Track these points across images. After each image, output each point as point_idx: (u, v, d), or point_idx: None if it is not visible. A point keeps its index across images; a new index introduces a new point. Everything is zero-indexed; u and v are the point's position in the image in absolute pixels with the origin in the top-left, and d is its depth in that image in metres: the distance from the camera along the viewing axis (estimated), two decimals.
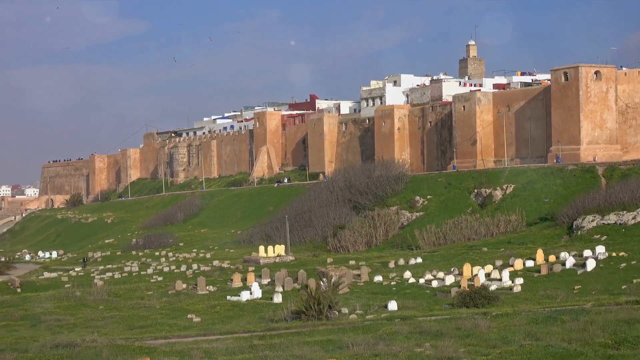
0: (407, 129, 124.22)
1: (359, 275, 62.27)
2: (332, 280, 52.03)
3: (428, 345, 30.52)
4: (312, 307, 42.30)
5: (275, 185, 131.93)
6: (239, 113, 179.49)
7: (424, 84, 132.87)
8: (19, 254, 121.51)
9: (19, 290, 70.08)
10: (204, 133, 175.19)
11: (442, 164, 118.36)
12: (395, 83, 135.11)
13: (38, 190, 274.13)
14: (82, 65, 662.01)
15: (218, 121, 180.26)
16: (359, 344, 31.49)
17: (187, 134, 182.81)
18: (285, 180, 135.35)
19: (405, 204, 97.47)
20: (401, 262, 69.93)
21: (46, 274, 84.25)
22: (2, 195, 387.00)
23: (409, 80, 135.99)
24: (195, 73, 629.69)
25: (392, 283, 58.63)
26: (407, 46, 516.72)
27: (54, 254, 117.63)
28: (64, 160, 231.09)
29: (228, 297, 55.31)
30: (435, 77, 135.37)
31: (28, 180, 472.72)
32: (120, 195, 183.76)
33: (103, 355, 32.79)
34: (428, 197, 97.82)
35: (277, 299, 52.13)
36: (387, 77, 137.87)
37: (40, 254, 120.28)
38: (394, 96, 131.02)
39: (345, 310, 45.01)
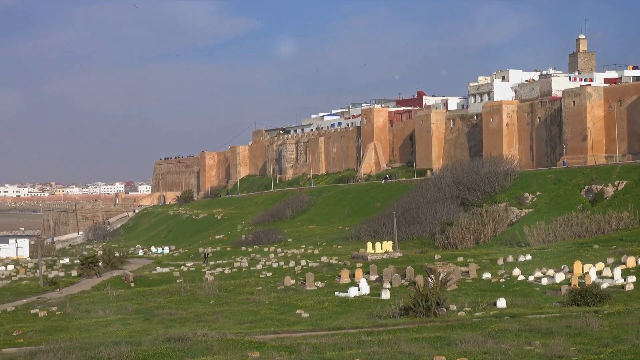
0: (516, 125, 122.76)
1: (467, 272, 61.92)
2: (440, 276, 51.84)
3: (538, 344, 30.28)
4: (420, 304, 42.28)
5: (383, 181, 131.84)
6: (347, 110, 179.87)
7: (533, 79, 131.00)
8: (132, 249, 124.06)
9: (132, 284, 71.77)
10: (311, 130, 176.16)
11: (551, 160, 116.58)
12: (503, 78, 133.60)
13: (150, 187, 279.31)
14: (194, 64, 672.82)
15: (325, 118, 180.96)
16: (468, 341, 31.41)
17: (295, 131, 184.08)
18: (388, 177, 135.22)
19: (513, 201, 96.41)
20: (510, 259, 69.23)
21: (158, 269, 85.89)
22: (116, 192, 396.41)
23: (518, 76, 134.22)
24: (304, 70, 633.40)
25: (501, 280, 58.13)
26: (516, 41, 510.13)
27: (166, 250, 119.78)
28: (175, 158, 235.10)
29: (336, 293, 55.61)
30: (544, 72, 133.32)
31: (141, 177, 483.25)
32: (227, 192, 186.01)
33: (214, 349, 33.39)
34: (537, 193, 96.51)
35: (385, 295, 52.20)
36: (495, 73, 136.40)
37: (153, 249, 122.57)
38: (503, 92, 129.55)
39: (453, 307, 44.87)
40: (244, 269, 79.64)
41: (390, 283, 58.04)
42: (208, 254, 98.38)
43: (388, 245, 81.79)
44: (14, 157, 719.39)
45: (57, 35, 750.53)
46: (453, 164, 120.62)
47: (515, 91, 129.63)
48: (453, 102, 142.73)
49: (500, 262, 68.10)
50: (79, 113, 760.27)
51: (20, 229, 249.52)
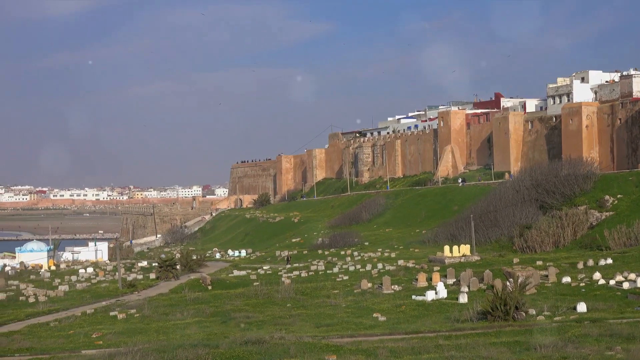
0: (596, 127, 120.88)
1: (547, 275, 61.04)
2: (519, 280, 51.18)
3: (619, 349, 29.67)
4: (499, 308, 41.79)
5: (460, 184, 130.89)
6: (423, 112, 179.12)
7: (613, 80, 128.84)
8: (209, 252, 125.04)
9: (210, 287, 72.26)
10: (388, 133, 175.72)
11: (632, 162, 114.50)
12: (582, 80, 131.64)
13: (227, 190, 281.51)
14: (270, 68, 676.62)
15: (402, 121, 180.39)
16: (547, 346, 30.91)
17: (372, 134, 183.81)
18: (460, 181, 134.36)
19: (594, 204, 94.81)
20: (590, 262, 68.08)
21: (235, 272, 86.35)
22: (193, 195, 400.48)
23: (597, 77, 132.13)
24: (380, 73, 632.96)
25: (581, 284, 57.16)
26: (595, 42, 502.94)
27: (243, 253, 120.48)
28: (252, 161, 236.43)
29: (413, 297, 55.28)
30: (625, 73, 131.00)
31: (218, 180, 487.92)
32: (302, 196, 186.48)
33: (291, 352, 33.36)
34: (618, 196, 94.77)
35: (463, 299, 51.73)
36: (574, 74, 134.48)
37: (230, 252, 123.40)
38: (582, 93, 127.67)
39: (532, 311, 44.25)
40: (320, 272, 79.65)
41: (468, 287, 57.49)
42: (290, 256, 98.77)
43: (465, 249, 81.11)
44: (94, 162, 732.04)
45: (137, 41, 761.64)
46: (532, 166, 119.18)
47: (595, 92, 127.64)
48: (531, 104, 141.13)
49: (580, 265, 67.01)
50: (157, 117, 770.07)
51: (100, 232, 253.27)
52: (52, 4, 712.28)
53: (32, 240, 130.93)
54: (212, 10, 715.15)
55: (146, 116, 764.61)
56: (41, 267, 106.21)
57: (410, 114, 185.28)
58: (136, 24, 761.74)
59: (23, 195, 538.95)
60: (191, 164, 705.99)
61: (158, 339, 41.80)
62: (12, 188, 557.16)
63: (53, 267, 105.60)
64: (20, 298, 71.63)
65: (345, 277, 72.35)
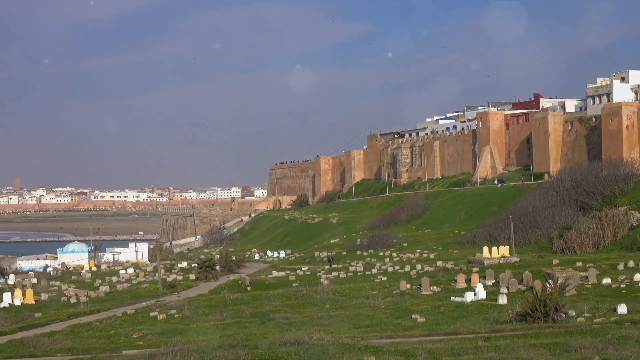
0: (636, 127, 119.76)
1: (586, 277, 60.69)
2: (559, 281, 50.96)
3: None
4: (538, 309, 41.63)
5: (499, 185, 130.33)
6: (462, 113, 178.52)
7: None
8: (248, 253, 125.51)
9: (249, 288, 72.53)
10: (426, 134, 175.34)
11: None
12: (623, 79, 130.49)
13: (266, 191, 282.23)
14: (307, 69, 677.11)
15: (440, 121, 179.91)
16: (587, 347, 30.80)
17: (410, 134, 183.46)
18: (495, 182, 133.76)
19: (634, 204, 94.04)
20: (631, 264, 67.58)
21: (274, 273, 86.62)
22: (232, 196, 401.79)
23: (638, 76, 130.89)
24: (417, 74, 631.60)
25: (622, 286, 56.74)
26: (635, 41, 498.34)
27: (282, 254, 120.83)
28: (291, 162, 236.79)
29: (452, 298, 55.19)
30: None
31: (257, 181, 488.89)
32: (339, 197, 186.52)
33: (330, 352, 33.48)
34: None
35: (502, 300, 51.56)
36: (614, 74, 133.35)
37: (269, 253, 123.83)
38: (622, 93, 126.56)
39: (572, 312, 44.04)
40: (359, 273, 79.71)
41: (507, 288, 57.28)
42: (332, 257, 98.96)
43: (505, 250, 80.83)
44: (134, 163, 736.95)
45: (175, 43, 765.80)
46: (571, 167, 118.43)
47: (636, 92, 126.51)
48: (571, 104, 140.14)
49: (620, 267, 66.56)
50: (196, 118, 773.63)
51: (140, 233, 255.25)
52: (93, 8, 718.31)
53: (74, 241, 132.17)
54: (250, 12, 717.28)
55: (185, 117, 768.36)
56: (82, 267, 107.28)
57: (448, 115, 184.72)
58: (175, 26, 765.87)
59: (64, 196, 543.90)
60: (230, 165, 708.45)
61: (198, 339, 42.06)
62: (54, 190, 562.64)
63: (94, 268, 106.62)
64: (62, 298, 72.36)
65: (384, 278, 72.36)
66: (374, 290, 63.13)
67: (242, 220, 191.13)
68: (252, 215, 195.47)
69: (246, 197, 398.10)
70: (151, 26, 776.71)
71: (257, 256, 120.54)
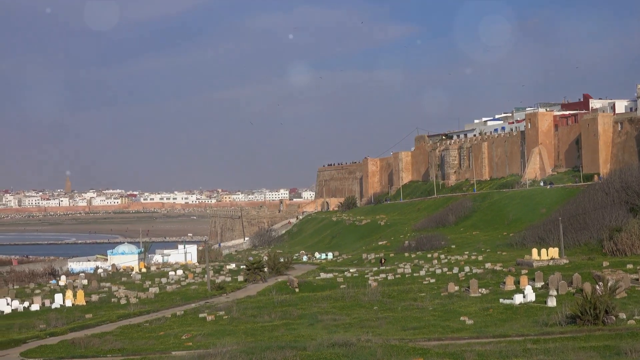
0: None
1: (637, 279, 60.07)
2: (609, 284, 50.51)
3: None
4: (588, 312, 41.34)
5: (548, 187, 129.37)
6: (510, 114, 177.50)
7: None
8: (296, 255, 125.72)
9: (297, 290, 72.67)
10: (474, 135, 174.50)
11: None
12: None
13: (314, 193, 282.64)
14: (354, 71, 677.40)
15: (489, 123, 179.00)
16: (638, 350, 30.57)
17: (458, 136, 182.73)
18: (541, 184, 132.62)
19: None
20: None
21: (322, 275, 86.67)
22: (280, 198, 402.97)
23: None
24: (465, 76, 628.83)
25: None
26: None
27: (330, 255, 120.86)
28: (338, 164, 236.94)
29: (501, 300, 54.92)
30: None
31: (305, 183, 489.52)
32: (385, 199, 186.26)
33: (378, 354, 33.53)
34: None
35: (551, 302, 51.20)
36: None
37: (317, 255, 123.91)
38: None
39: (622, 315, 43.64)
40: (407, 275, 79.53)
41: (557, 290, 56.87)
42: (384, 258, 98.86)
43: (554, 252, 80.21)
44: (183, 165, 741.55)
45: (220, 45, 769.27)
46: (621, 168, 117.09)
47: None
48: (621, 105, 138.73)
49: None
50: (244, 121, 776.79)
51: (189, 234, 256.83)
52: (134, 11, 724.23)
53: (124, 243, 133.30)
54: (296, 14, 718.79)
55: (233, 120, 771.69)
56: (132, 269, 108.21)
57: (497, 116, 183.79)
58: (220, 28, 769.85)
59: (114, 198, 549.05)
60: (278, 167, 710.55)
61: (246, 340, 42.29)
62: (104, 192, 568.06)
63: (144, 270, 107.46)
64: (112, 300, 73.08)
65: (432, 280, 72.15)
66: (422, 292, 63.00)
67: (289, 223, 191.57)
68: (300, 217, 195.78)
69: (294, 199, 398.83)
70: (198, 29, 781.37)
71: (305, 258, 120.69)
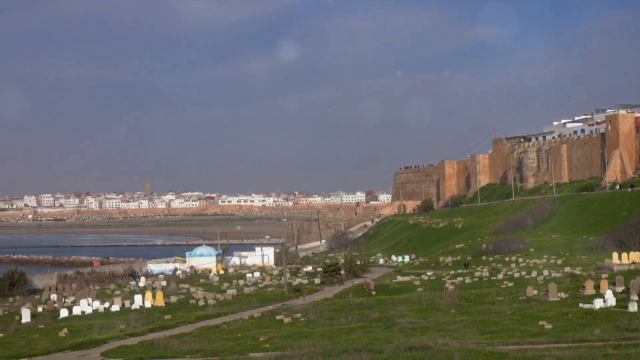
0: None
1: None
2: None
3: None
4: None
5: (629, 189, 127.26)
6: (590, 116, 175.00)
7: None
8: (373, 257, 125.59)
9: (373, 292, 72.70)
10: (553, 137, 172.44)
11: None
12: None
13: (390, 196, 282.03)
14: (431, 73, 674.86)
15: (568, 125, 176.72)
16: None
17: (537, 138, 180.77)
18: (617, 187, 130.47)
19: None
20: None
21: (399, 278, 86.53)
22: (357, 201, 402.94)
23: None
24: (543, 77, 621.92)
25: None
26: None
27: (407, 258, 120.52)
28: (415, 167, 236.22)
29: (580, 305, 54.20)
30: None
31: (381, 186, 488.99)
32: (461, 202, 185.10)
33: (455, 358, 33.39)
34: None
35: (632, 307, 50.40)
36: None
37: (394, 257, 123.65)
38: None
39: None
40: (484, 279, 78.99)
41: (638, 295, 55.93)
42: (468, 262, 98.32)
43: (635, 256, 78.87)
44: (261, 167, 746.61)
45: (301, 49, 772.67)
46: None
47: None
48: None
49: None
50: (322, 123, 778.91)
51: (266, 237, 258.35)
52: (221, 13, 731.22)
53: (202, 245, 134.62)
54: (375, 17, 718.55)
55: (312, 122, 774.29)
56: (210, 271, 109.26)
57: (576, 118, 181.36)
58: (302, 31, 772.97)
59: (193, 201, 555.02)
60: (355, 170, 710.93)
61: (323, 343, 42.40)
62: (183, 194, 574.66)
63: (221, 271, 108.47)
64: (191, 301, 73.93)
65: (510, 284, 71.53)
66: (500, 295, 62.48)
67: (365, 226, 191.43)
68: (377, 220, 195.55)
69: (370, 202, 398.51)
70: (278, 31, 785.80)
71: (381, 261, 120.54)
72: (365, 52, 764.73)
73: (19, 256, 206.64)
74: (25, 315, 68.44)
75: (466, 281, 77.43)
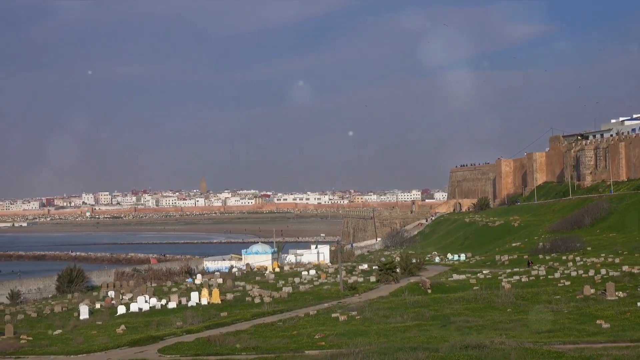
0: None
1: None
2: None
3: None
4: None
5: None
6: None
7: None
8: (429, 256, 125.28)
9: (429, 291, 72.50)
10: (611, 135, 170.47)
11: None
12: None
13: (446, 194, 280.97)
14: (490, 71, 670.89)
15: (626, 122, 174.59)
16: None
17: (594, 136, 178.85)
18: None
19: None
20: None
21: (455, 276, 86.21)
22: (412, 199, 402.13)
23: None
24: (599, 75, 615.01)
25: None
26: None
27: (462, 257, 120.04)
28: (471, 165, 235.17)
29: (638, 304, 53.60)
30: None
31: (437, 184, 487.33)
32: (516, 201, 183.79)
33: (511, 357, 33.25)
34: None
35: None
36: None
37: (449, 256, 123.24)
38: None
39: None
40: (541, 277, 78.39)
41: None
42: (531, 261, 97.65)
43: None
44: (316, 165, 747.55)
45: (357, 47, 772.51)
46: None
47: None
48: None
49: None
50: (378, 121, 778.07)
51: (321, 235, 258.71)
52: (273, 14, 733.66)
53: (257, 242, 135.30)
54: (432, 13, 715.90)
55: (367, 121, 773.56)
56: (266, 268, 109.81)
57: (635, 115, 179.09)
58: (356, 30, 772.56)
59: (248, 199, 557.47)
60: (411, 168, 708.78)
61: (378, 341, 42.43)
62: (238, 192, 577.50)
63: (277, 269, 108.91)
64: (247, 299, 74.33)
65: (567, 283, 70.92)
66: (557, 294, 62.00)
67: (419, 225, 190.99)
68: (432, 218, 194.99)
69: (426, 200, 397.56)
70: (328, 31, 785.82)
71: (437, 259, 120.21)
72: (415, 50, 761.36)
73: (77, 253, 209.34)
74: (84, 312, 69.41)
75: (522, 280, 76.92)
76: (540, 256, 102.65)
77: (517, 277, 79.14)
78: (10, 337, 57.35)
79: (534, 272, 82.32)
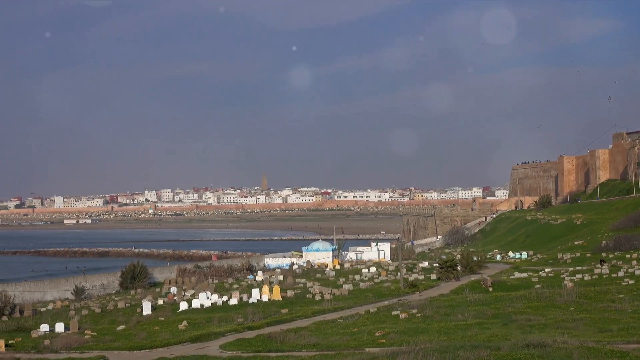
0: None
1: None
2: None
3: None
4: None
5: None
6: None
7: None
8: (490, 253, 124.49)
9: (490, 289, 72.07)
10: None
11: None
12: None
13: (507, 191, 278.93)
14: (554, 67, 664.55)
15: None
16: None
17: None
18: None
19: None
20: None
21: (516, 274, 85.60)
22: (473, 196, 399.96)
23: None
24: None
25: None
26: None
27: (524, 255, 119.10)
28: (533, 162, 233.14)
29: None
30: None
31: (498, 182, 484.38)
32: (576, 199, 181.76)
33: (574, 356, 32.94)
34: None
35: None
36: None
37: (511, 254, 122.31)
38: None
39: None
40: (604, 276, 77.49)
41: None
42: (604, 259, 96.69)
43: None
44: (377, 163, 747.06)
45: (414, 44, 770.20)
46: None
47: None
48: None
49: None
50: (435, 119, 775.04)
51: (382, 232, 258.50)
52: (339, 12, 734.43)
53: (318, 240, 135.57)
54: (493, 8, 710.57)
55: (424, 117, 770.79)
56: (326, 266, 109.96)
57: None
58: (414, 25, 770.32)
59: (309, 196, 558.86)
60: (472, 165, 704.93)
61: (439, 339, 42.32)
62: (299, 189, 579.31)
63: (337, 267, 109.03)
64: (307, 296, 74.58)
65: (631, 282, 70.00)
66: (621, 293, 61.24)
67: (479, 223, 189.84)
68: (493, 216, 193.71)
69: (487, 198, 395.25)
70: (387, 29, 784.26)
71: (498, 257, 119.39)
72: (478, 46, 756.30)
73: (141, 250, 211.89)
74: (146, 308, 70.23)
75: (585, 278, 76.10)
76: (604, 254, 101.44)
77: (579, 276, 78.31)
78: (75, 332, 58.31)
79: (596, 271, 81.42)
